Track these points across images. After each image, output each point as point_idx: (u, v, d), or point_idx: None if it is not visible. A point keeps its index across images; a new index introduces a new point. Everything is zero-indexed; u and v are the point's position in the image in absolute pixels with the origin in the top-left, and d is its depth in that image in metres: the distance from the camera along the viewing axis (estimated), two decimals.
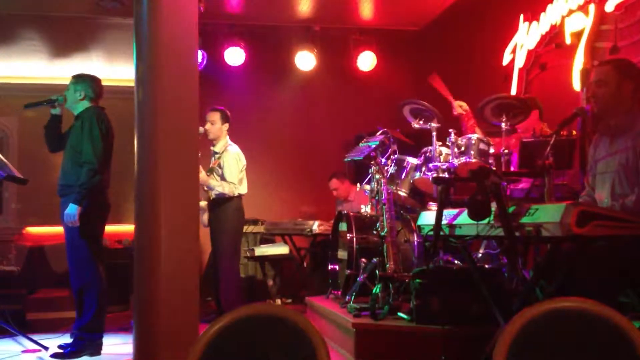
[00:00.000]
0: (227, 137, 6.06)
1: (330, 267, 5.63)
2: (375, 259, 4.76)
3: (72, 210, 4.68)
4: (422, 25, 8.49)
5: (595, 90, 3.46)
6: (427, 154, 4.96)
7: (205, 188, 5.94)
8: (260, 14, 8.11)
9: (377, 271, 4.65)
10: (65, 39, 7.92)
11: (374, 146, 4.99)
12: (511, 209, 3.07)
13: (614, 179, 3.31)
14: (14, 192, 8.27)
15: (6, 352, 4.99)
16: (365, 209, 5.58)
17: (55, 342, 5.00)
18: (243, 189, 5.96)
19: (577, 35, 5.45)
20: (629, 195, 3.21)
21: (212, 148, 6.07)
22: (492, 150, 4.61)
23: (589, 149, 3.81)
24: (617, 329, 1.78)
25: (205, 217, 6.13)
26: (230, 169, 5.85)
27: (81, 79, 5.09)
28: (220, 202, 5.88)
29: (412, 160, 5.11)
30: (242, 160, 5.99)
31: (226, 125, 6.01)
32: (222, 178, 5.86)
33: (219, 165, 5.92)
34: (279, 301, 7.30)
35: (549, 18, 5.90)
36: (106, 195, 4.97)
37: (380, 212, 4.90)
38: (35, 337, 5.10)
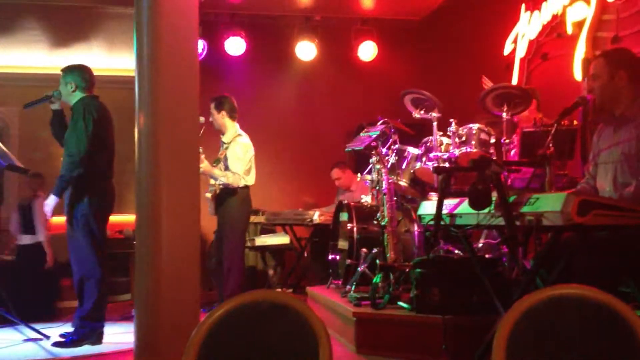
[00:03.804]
0: (236, 127, 5.96)
1: (330, 256, 5.64)
2: (375, 249, 4.76)
3: (51, 201, 4.70)
4: (424, 15, 8.48)
5: (591, 85, 3.48)
6: (428, 144, 4.97)
7: (212, 181, 5.91)
8: (260, 4, 8.09)
9: (377, 261, 4.66)
10: (66, 29, 7.90)
11: (374, 136, 4.99)
12: (512, 199, 3.07)
13: (616, 168, 3.31)
14: (15, 182, 8.26)
15: (8, 340, 5.01)
16: (366, 199, 5.59)
17: (56, 331, 5.01)
18: (250, 179, 5.89)
19: (579, 25, 5.44)
20: (631, 184, 3.21)
21: (221, 137, 6.03)
22: (492, 140, 4.62)
23: (590, 139, 3.81)
24: (617, 316, 1.78)
25: (211, 207, 6.07)
26: (235, 160, 5.80)
27: (69, 71, 5.01)
28: (226, 193, 5.84)
29: (413, 150, 5.12)
30: (250, 151, 5.91)
31: (223, 113, 5.93)
32: (227, 168, 5.82)
33: (225, 156, 5.88)
34: (279, 291, 7.32)
35: (550, 8, 5.89)
36: (107, 185, 4.95)
37: (380, 202, 4.91)
38: (37, 326, 5.11)
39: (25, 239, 6.76)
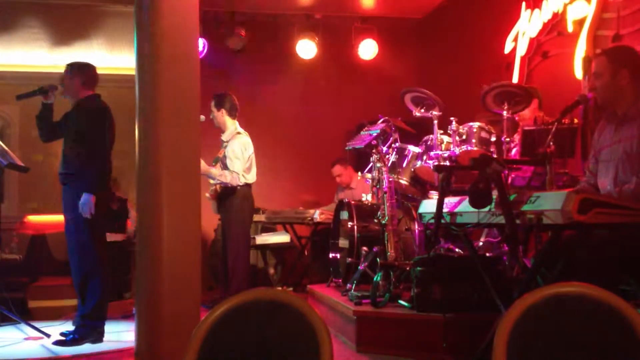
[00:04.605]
0: (236, 125, 5.92)
1: (331, 255, 5.64)
2: (376, 247, 4.77)
3: (88, 199, 4.68)
4: (424, 14, 8.47)
5: (593, 83, 3.47)
6: (429, 142, 4.97)
7: (211, 181, 5.88)
8: (261, 2, 8.09)
9: (378, 259, 4.66)
10: (67, 27, 7.90)
11: (375, 135, 4.99)
12: (512, 197, 3.07)
13: (617, 166, 3.30)
14: (16, 180, 8.26)
15: (8, 339, 5.01)
16: (367, 198, 5.59)
17: (57, 329, 5.01)
18: (250, 177, 5.85)
19: (579, 23, 5.43)
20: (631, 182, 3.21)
21: (221, 136, 6.01)
22: (493, 139, 4.62)
23: (591, 137, 3.81)
24: (618, 314, 1.78)
25: (214, 206, 6.05)
26: (234, 159, 5.77)
27: (77, 67, 5.04)
28: (227, 193, 5.81)
29: (414, 149, 5.12)
30: (249, 149, 5.87)
31: (223, 111, 5.89)
32: (226, 167, 5.79)
33: (225, 155, 5.85)
34: (280, 289, 7.31)
35: (551, 6, 5.88)
36: (108, 184, 4.97)
37: (381, 201, 4.91)
38: (38, 324, 5.12)
39: (112, 237, 7.19)
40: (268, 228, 7.81)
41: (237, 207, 5.80)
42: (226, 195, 5.82)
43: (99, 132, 4.80)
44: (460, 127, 4.72)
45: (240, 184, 5.75)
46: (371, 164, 5.16)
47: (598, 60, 3.48)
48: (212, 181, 5.89)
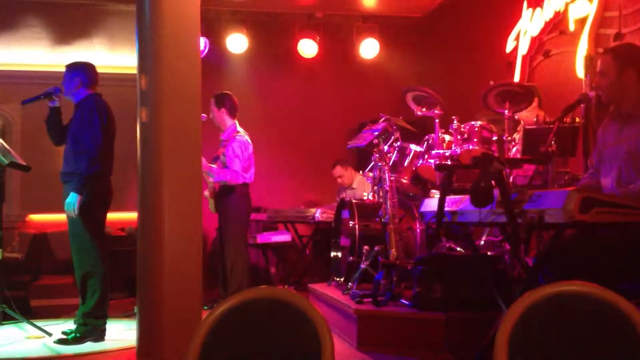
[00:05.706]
0: (235, 124, 5.96)
1: (332, 254, 5.64)
2: (377, 246, 4.76)
3: (73, 199, 4.68)
4: (426, 12, 8.47)
5: (598, 82, 3.45)
6: (430, 141, 4.97)
7: (210, 179, 5.90)
8: (262, 1, 8.09)
9: (379, 258, 4.66)
10: (68, 26, 7.91)
11: (376, 133, 4.99)
12: (514, 196, 3.06)
13: (620, 166, 3.29)
14: (18, 179, 8.26)
15: (10, 338, 5.01)
16: (368, 196, 5.59)
17: (58, 328, 5.02)
18: (249, 176, 5.90)
19: (581, 21, 5.43)
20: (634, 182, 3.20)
21: (221, 135, 6.03)
22: (494, 137, 4.62)
23: (592, 136, 3.80)
24: (619, 313, 1.78)
25: (211, 204, 6.07)
26: (233, 157, 5.80)
27: (75, 67, 5.05)
28: (225, 191, 5.84)
29: (415, 148, 5.12)
30: (249, 148, 5.91)
31: (223, 110, 5.92)
32: (225, 166, 5.82)
33: (224, 154, 5.87)
34: (281, 288, 7.30)
35: (552, 5, 5.88)
36: (108, 183, 4.96)
37: (382, 200, 4.91)
38: (39, 323, 5.12)
39: None
40: (269, 227, 7.81)
41: (235, 205, 5.83)
42: (224, 194, 5.84)
43: (89, 132, 4.77)
44: (462, 126, 4.72)
45: (240, 182, 5.78)
46: (372, 162, 5.15)
47: (603, 59, 3.45)
48: (210, 179, 5.91)
